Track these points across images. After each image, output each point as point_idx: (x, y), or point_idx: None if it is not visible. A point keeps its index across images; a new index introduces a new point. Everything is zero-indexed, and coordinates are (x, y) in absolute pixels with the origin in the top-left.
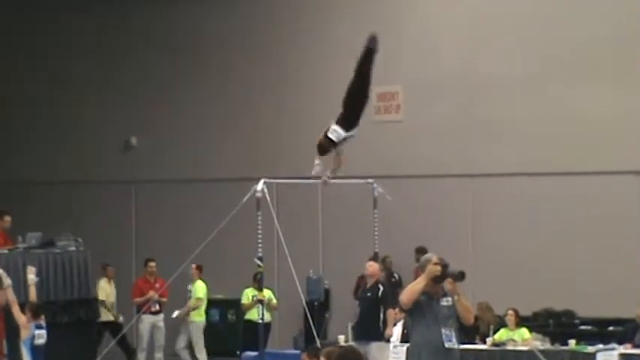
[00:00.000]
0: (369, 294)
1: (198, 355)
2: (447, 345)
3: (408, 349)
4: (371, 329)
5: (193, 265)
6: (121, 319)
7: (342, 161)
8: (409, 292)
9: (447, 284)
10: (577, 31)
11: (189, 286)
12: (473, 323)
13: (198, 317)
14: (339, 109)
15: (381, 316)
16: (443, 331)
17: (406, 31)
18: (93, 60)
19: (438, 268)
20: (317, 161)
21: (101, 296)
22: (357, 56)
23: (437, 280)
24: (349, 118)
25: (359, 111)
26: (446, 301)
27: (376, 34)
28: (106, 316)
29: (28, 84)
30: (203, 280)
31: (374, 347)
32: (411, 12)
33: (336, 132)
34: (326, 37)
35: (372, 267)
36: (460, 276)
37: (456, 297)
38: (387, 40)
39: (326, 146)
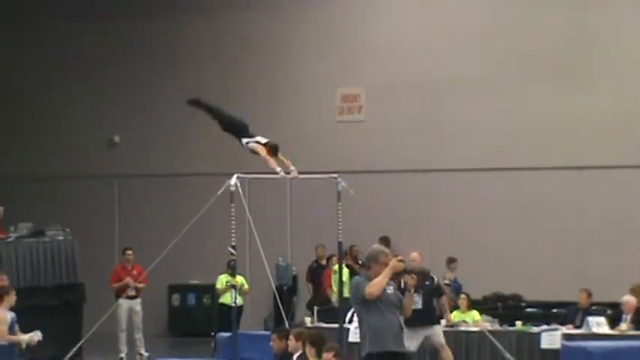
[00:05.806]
0: None
1: None
2: (404, 328)
3: (364, 334)
4: None
5: None
6: None
7: (287, 163)
8: (379, 286)
9: (410, 279)
10: (527, 39)
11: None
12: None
13: None
14: (309, 110)
15: None
16: (397, 315)
17: (369, 37)
18: (80, 64)
19: (402, 265)
20: (277, 168)
21: None
22: (323, 60)
23: (397, 275)
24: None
25: (243, 128)
26: (389, 290)
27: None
28: None
29: (18, 85)
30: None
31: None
32: (373, 19)
33: (257, 141)
34: (293, 42)
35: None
36: (426, 274)
37: (412, 291)
38: (350, 45)
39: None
